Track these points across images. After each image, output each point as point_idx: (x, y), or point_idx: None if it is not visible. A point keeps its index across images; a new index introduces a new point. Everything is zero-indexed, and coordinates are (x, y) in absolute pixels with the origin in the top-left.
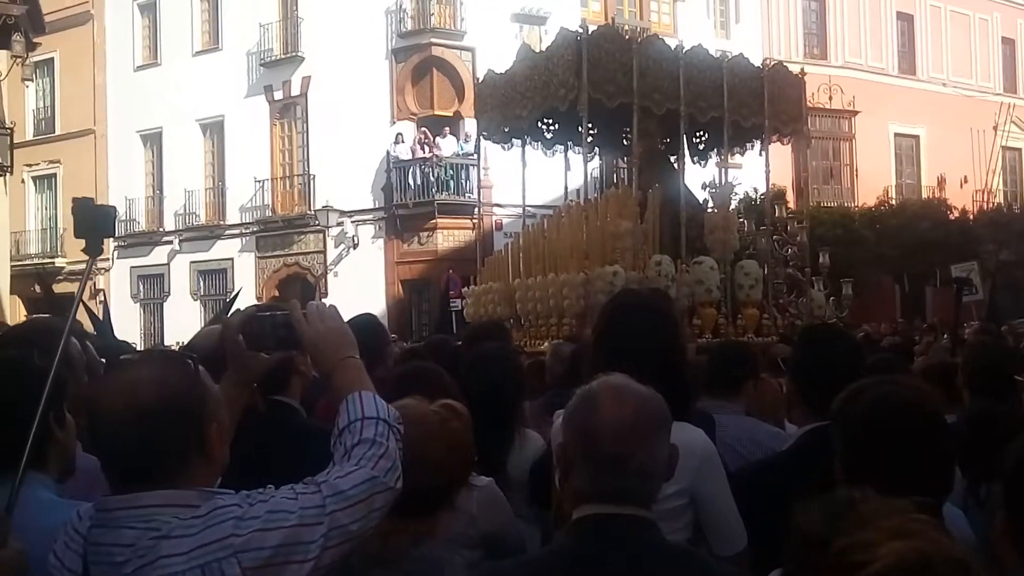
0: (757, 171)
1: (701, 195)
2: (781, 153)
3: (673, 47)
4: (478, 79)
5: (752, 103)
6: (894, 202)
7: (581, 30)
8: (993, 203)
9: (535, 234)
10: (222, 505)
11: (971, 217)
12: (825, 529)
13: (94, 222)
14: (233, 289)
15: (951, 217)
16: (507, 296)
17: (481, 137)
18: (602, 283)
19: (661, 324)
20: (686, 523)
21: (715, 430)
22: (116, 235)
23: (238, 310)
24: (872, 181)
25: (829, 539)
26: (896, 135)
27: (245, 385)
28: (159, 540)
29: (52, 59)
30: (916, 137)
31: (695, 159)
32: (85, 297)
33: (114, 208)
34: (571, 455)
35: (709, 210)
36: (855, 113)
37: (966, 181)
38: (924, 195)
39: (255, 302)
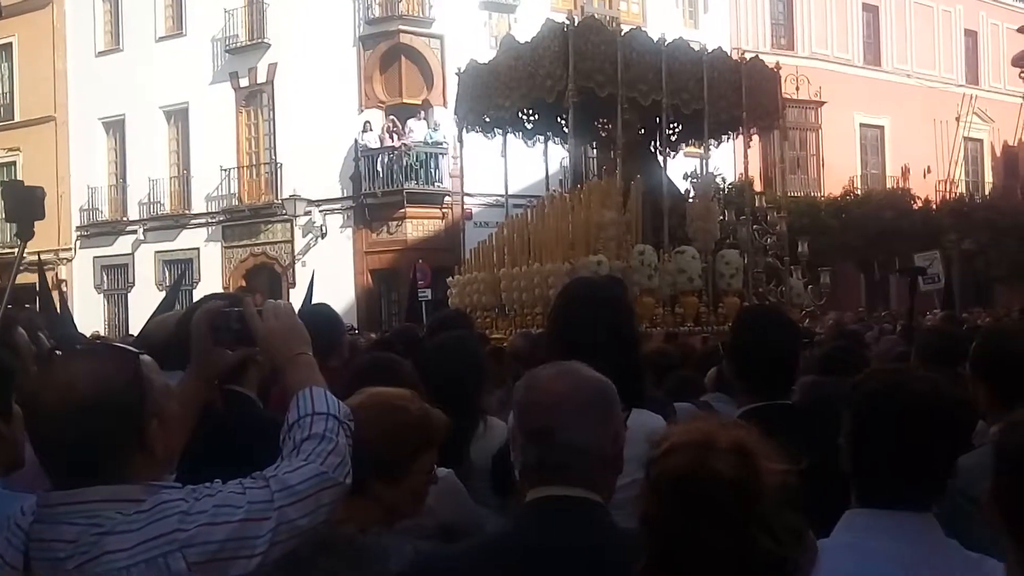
0: (721, 161)
1: (682, 185)
2: (748, 143)
3: (656, 40)
4: (446, 67)
5: (730, 96)
6: (859, 192)
7: (568, 22)
8: (955, 193)
9: (520, 224)
10: (167, 500)
11: (934, 207)
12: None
13: (26, 205)
14: (198, 279)
15: (915, 207)
16: (492, 285)
17: (461, 127)
18: (587, 272)
19: (613, 312)
20: None
21: (675, 419)
22: (79, 224)
23: (195, 300)
24: (838, 171)
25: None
26: (861, 125)
27: (208, 380)
28: (102, 536)
29: (10, 44)
30: (881, 127)
31: (667, 150)
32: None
33: (42, 189)
34: (515, 436)
35: (690, 200)
36: (821, 104)
37: (929, 171)
38: (888, 185)
39: (220, 291)
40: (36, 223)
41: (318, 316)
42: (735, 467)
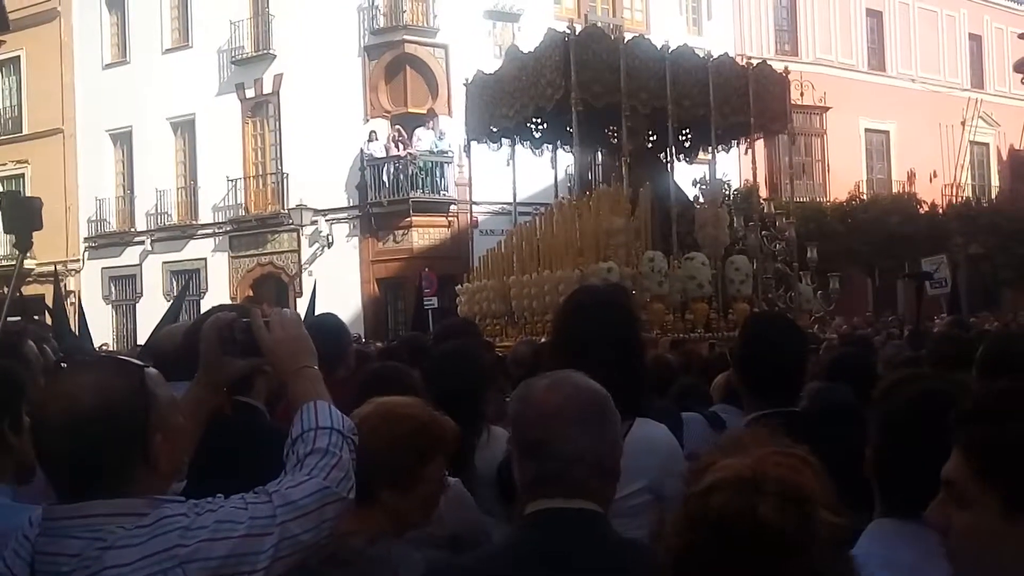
0: (725, 168)
1: (690, 192)
2: (755, 149)
3: (659, 47)
4: (451, 76)
5: (736, 101)
6: (865, 197)
7: (569, 31)
8: (961, 197)
9: (529, 231)
10: (169, 515)
11: (940, 211)
12: (704, 455)
13: (23, 216)
14: (206, 289)
15: (921, 211)
16: (502, 293)
17: (470, 137)
18: (597, 279)
19: (617, 320)
20: (649, 520)
21: (681, 427)
22: (87, 236)
23: (202, 311)
24: (843, 176)
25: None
26: (866, 131)
27: (216, 388)
28: (104, 551)
29: (19, 57)
30: (886, 132)
31: (681, 157)
32: (50, 300)
33: (39, 200)
34: (512, 449)
35: (699, 206)
36: (826, 109)
37: (935, 176)
38: (894, 190)
39: (227, 301)
40: (46, 235)
41: (324, 326)
42: (786, 516)
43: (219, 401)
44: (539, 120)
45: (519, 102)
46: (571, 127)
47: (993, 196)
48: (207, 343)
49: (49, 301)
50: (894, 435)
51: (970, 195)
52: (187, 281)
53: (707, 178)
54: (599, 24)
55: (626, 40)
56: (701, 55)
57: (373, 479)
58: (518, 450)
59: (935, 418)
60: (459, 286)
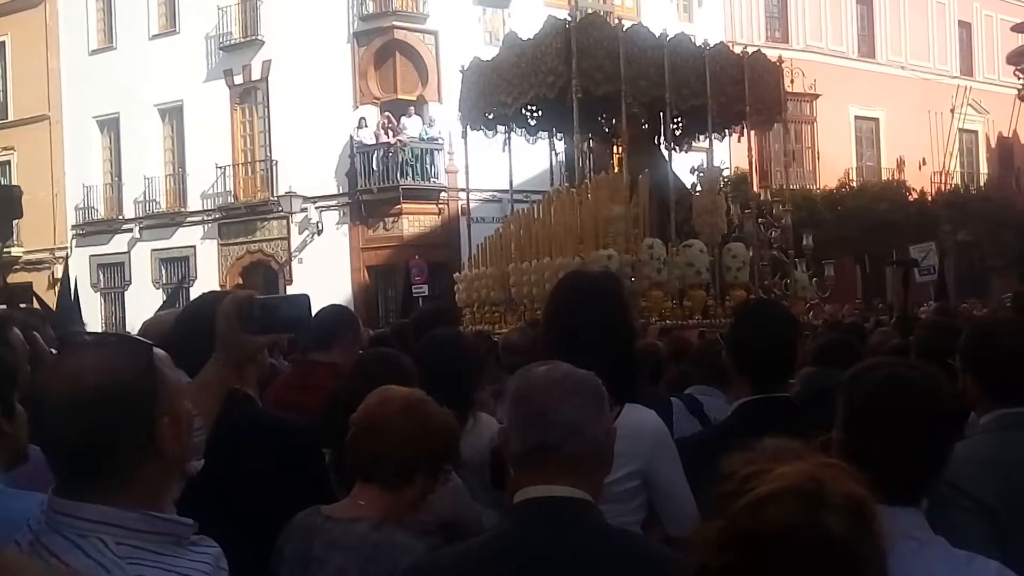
0: (716, 155)
1: (687, 179)
2: (749, 137)
3: (657, 35)
4: (441, 63)
5: (732, 90)
6: (855, 184)
7: (569, 18)
8: (950, 184)
9: (527, 219)
10: None
11: (929, 198)
12: (741, 463)
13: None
14: (195, 277)
15: (910, 199)
16: (501, 280)
17: (465, 124)
18: (597, 266)
19: (608, 306)
20: (639, 505)
21: (671, 413)
22: (75, 223)
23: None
24: (833, 163)
25: (738, 470)
26: (856, 118)
27: (236, 366)
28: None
29: (3, 43)
30: (876, 120)
31: (675, 145)
32: (42, 288)
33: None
34: (508, 424)
35: (696, 194)
36: (816, 96)
37: (924, 163)
38: (884, 177)
39: (217, 288)
40: (32, 222)
41: (333, 315)
42: (852, 529)
43: (237, 379)
44: (534, 107)
45: (518, 89)
46: (567, 114)
47: (982, 183)
48: (227, 321)
49: (38, 289)
50: (858, 421)
51: (959, 182)
52: (184, 275)
53: (704, 166)
54: (591, 11)
55: (625, 28)
56: (698, 43)
57: (412, 463)
58: (522, 419)
59: (901, 406)
60: (457, 273)
